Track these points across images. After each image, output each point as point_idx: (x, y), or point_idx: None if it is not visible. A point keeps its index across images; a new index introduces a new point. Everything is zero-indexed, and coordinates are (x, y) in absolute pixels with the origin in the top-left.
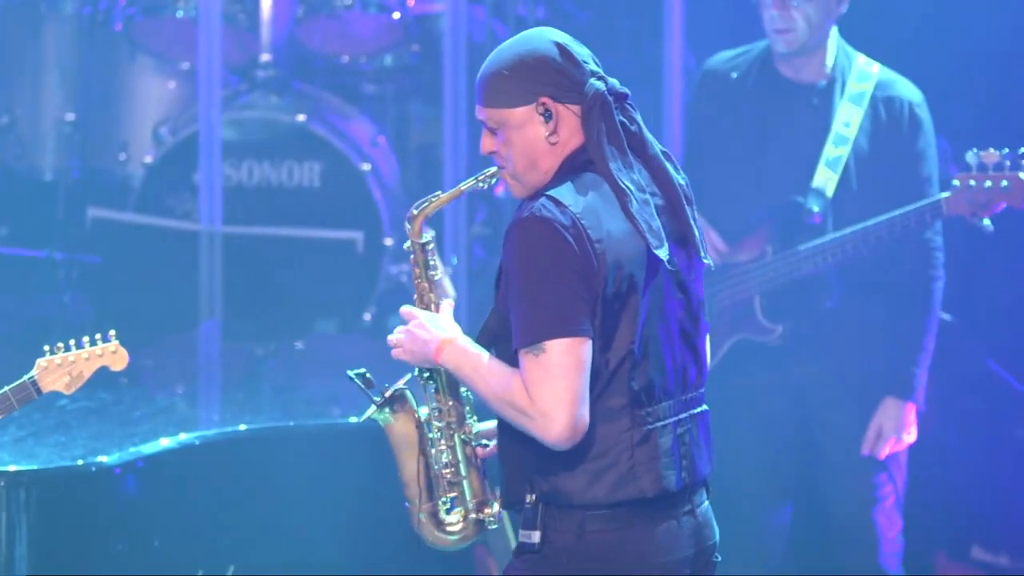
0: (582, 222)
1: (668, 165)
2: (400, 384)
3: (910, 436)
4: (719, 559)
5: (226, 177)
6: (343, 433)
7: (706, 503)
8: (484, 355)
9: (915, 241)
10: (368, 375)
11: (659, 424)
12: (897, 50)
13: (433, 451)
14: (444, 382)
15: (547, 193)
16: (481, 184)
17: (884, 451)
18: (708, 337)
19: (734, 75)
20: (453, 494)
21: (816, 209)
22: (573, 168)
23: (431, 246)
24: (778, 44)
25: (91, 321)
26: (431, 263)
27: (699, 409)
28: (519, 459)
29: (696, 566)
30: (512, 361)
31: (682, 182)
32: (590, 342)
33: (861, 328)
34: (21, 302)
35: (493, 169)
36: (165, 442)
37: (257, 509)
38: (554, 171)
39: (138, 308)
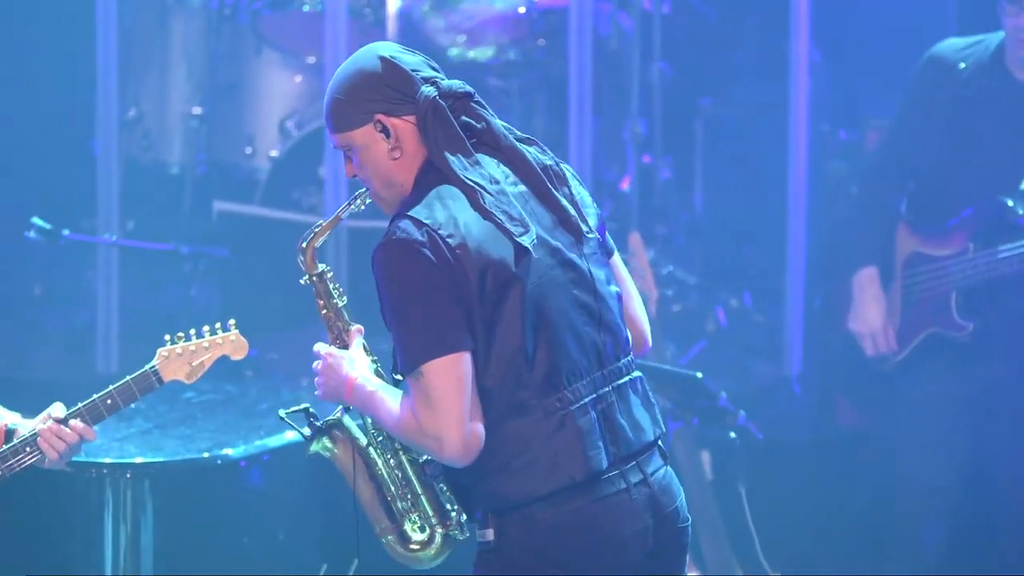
0: (439, 232)
1: (529, 151)
2: (336, 413)
3: None
4: (688, 522)
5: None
6: None
7: (662, 470)
8: (380, 389)
9: None
10: (310, 408)
11: (573, 407)
12: None
13: (382, 474)
14: None
15: (401, 213)
16: (355, 207)
17: None
18: (637, 304)
19: (962, 65)
20: (414, 514)
21: (1021, 212)
22: (427, 179)
23: (329, 274)
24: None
25: (217, 314)
26: (332, 291)
27: (624, 379)
28: (453, 475)
29: (660, 534)
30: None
31: (548, 162)
32: (467, 355)
33: None
34: (148, 295)
35: (362, 191)
36: (290, 435)
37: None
38: (411, 184)
39: (264, 301)
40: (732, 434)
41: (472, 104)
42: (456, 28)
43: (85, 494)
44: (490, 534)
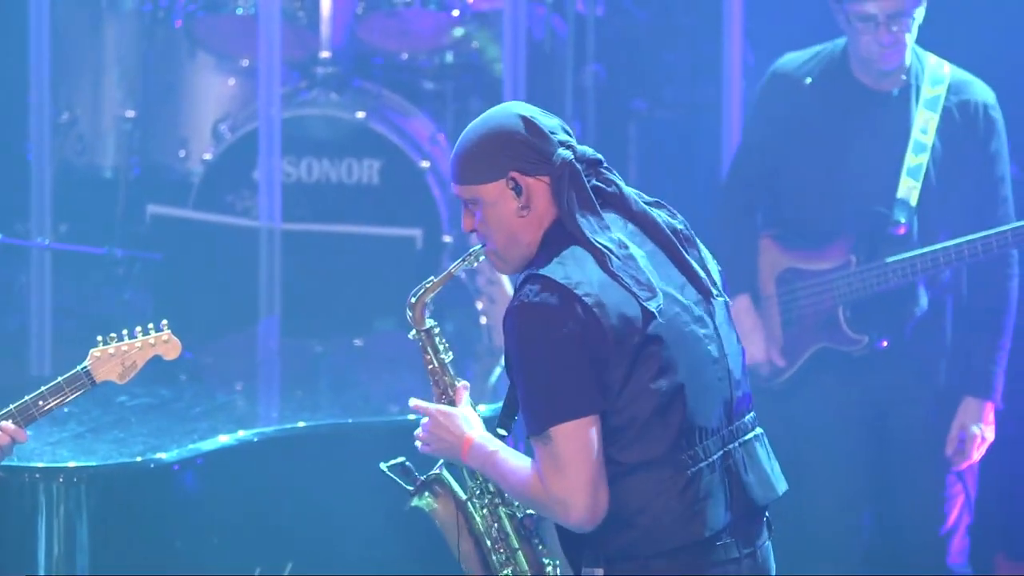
0: (575, 292)
1: (658, 214)
2: (435, 469)
3: (989, 435)
4: None
5: (285, 174)
6: (401, 430)
7: (767, 543)
8: (501, 450)
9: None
10: (407, 463)
11: (703, 464)
12: (967, 49)
13: (481, 528)
14: None
15: (533, 273)
16: (469, 263)
17: (974, 452)
18: (744, 359)
19: (808, 80)
20: (509, 568)
21: (902, 220)
22: (556, 239)
23: (436, 330)
24: (885, 64)
25: (151, 318)
26: (440, 346)
27: (750, 435)
28: (569, 532)
29: None
30: None
31: (679, 227)
32: (597, 418)
33: (942, 331)
34: (81, 299)
35: (478, 248)
36: (224, 439)
37: (316, 507)
38: (536, 244)
39: (198, 305)
40: None
41: (602, 169)
42: (390, 31)
43: (17, 499)
44: (599, 572)
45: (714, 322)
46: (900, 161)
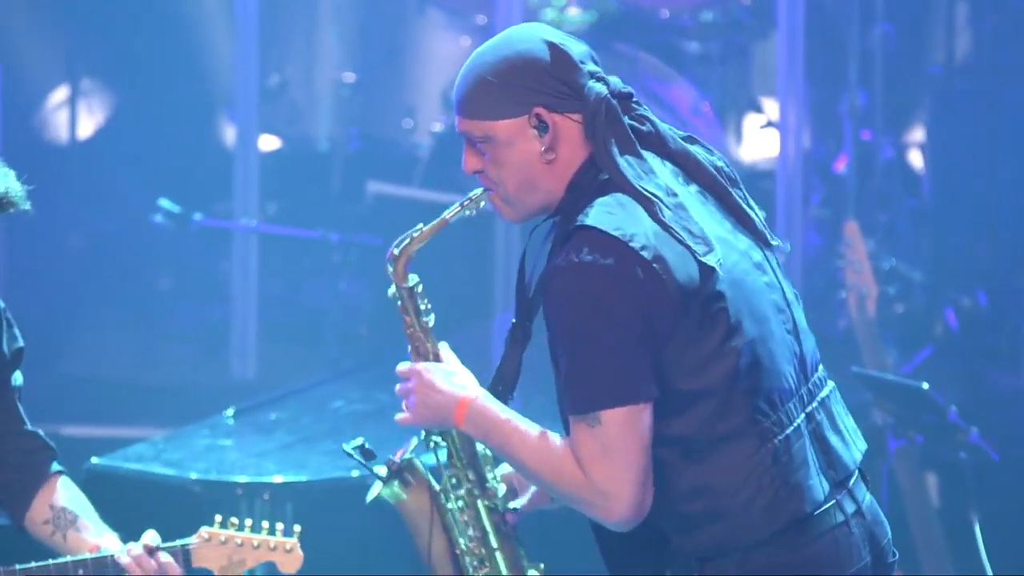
0: (631, 245)
1: (697, 151)
2: (407, 453)
3: None
4: (896, 557)
5: None
6: None
7: (869, 496)
8: (513, 417)
9: None
10: (367, 445)
11: (790, 430)
12: None
13: (455, 524)
14: (457, 443)
15: (583, 224)
16: (467, 210)
17: None
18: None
19: None
20: (485, 570)
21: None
22: (589, 186)
23: (419, 288)
24: None
25: (369, 312)
26: (422, 308)
27: (826, 391)
28: (649, 526)
29: (877, 571)
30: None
31: (720, 164)
32: (650, 405)
33: None
34: (292, 289)
35: (479, 191)
36: None
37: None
38: (559, 192)
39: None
40: (962, 454)
41: (633, 104)
42: None
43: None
44: None
45: (772, 268)
46: None
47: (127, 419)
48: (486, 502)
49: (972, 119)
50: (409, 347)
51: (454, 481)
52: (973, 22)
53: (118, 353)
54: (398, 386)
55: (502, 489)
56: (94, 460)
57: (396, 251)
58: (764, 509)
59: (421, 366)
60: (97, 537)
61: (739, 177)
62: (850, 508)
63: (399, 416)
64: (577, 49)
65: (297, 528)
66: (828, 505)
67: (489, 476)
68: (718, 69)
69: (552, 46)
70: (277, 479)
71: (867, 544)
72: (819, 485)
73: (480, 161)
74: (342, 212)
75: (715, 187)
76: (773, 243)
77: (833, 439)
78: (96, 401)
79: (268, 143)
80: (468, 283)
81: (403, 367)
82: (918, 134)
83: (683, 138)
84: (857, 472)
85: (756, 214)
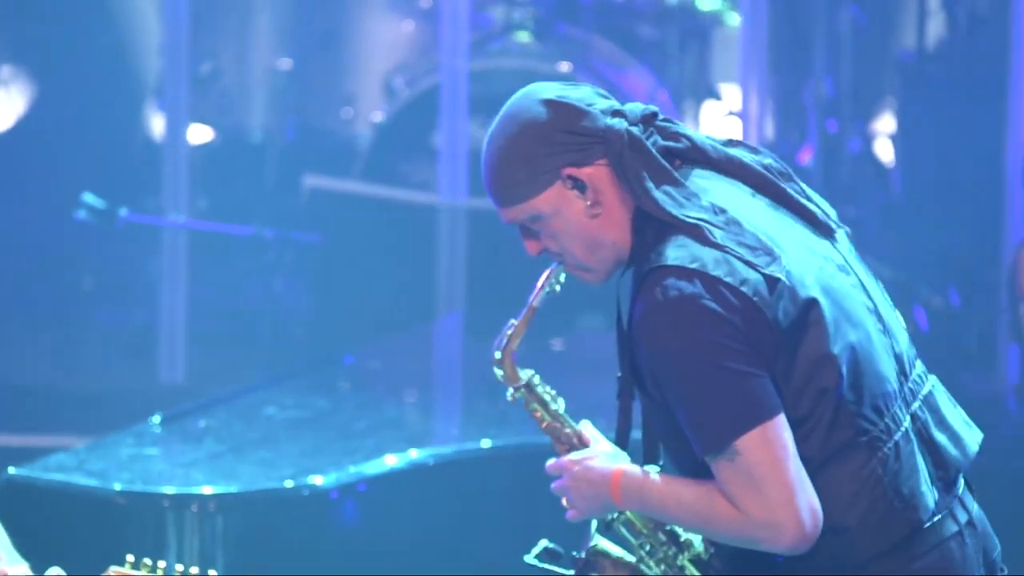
0: (714, 275)
1: (742, 154)
2: (592, 541)
3: None
4: (1005, 572)
5: (472, 139)
6: None
7: (978, 507)
8: (651, 473)
9: None
10: (551, 546)
11: (898, 436)
12: None
13: None
14: (633, 512)
15: (658, 266)
16: (550, 288)
17: None
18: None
19: None
20: None
21: None
22: (651, 221)
23: (536, 379)
24: None
25: (305, 312)
26: (547, 397)
27: (927, 387)
28: (758, 557)
29: None
30: (691, 457)
31: (768, 161)
32: (782, 416)
33: None
34: (223, 288)
35: (554, 266)
36: (392, 461)
37: (502, 539)
38: (627, 239)
39: (363, 297)
40: None
41: (662, 123)
42: None
43: (141, 529)
44: None
45: (853, 267)
46: None
47: (47, 427)
48: (686, 555)
49: (945, 108)
50: (551, 439)
51: (648, 547)
52: (946, 5)
53: (38, 357)
54: (553, 484)
55: (697, 538)
56: (11, 470)
57: (498, 355)
58: (882, 520)
59: (567, 460)
60: (5, 566)
61: (791, 170)
62: (963, 517)
63: (568, 514)
64: (578, 94)
65: (212, 572)
66: (941, 514)
67: (680, 529)
68: (676, 55)
69: (551, 103)
70: (206, 490)
71: (980, 556)
72: (930, 492)
73: (539, 242)
74: (277, 207)
75: (767, 187)
76: (838, 230)
77: (940, 437)
78: (13, 408)
79: (199, 134)
80: (411, 285)
81: (552, 465)
82: (887, 124)
83: (724, 143)
84: (964, 482)
85: (817, 205)
